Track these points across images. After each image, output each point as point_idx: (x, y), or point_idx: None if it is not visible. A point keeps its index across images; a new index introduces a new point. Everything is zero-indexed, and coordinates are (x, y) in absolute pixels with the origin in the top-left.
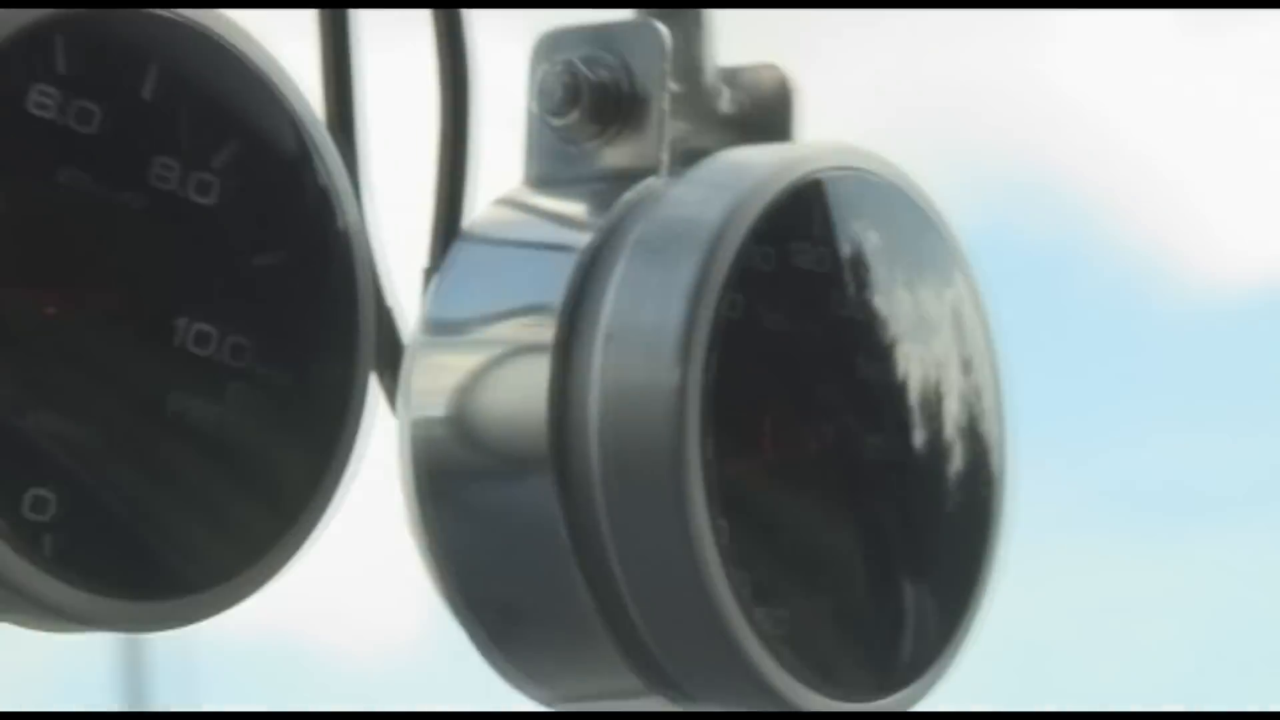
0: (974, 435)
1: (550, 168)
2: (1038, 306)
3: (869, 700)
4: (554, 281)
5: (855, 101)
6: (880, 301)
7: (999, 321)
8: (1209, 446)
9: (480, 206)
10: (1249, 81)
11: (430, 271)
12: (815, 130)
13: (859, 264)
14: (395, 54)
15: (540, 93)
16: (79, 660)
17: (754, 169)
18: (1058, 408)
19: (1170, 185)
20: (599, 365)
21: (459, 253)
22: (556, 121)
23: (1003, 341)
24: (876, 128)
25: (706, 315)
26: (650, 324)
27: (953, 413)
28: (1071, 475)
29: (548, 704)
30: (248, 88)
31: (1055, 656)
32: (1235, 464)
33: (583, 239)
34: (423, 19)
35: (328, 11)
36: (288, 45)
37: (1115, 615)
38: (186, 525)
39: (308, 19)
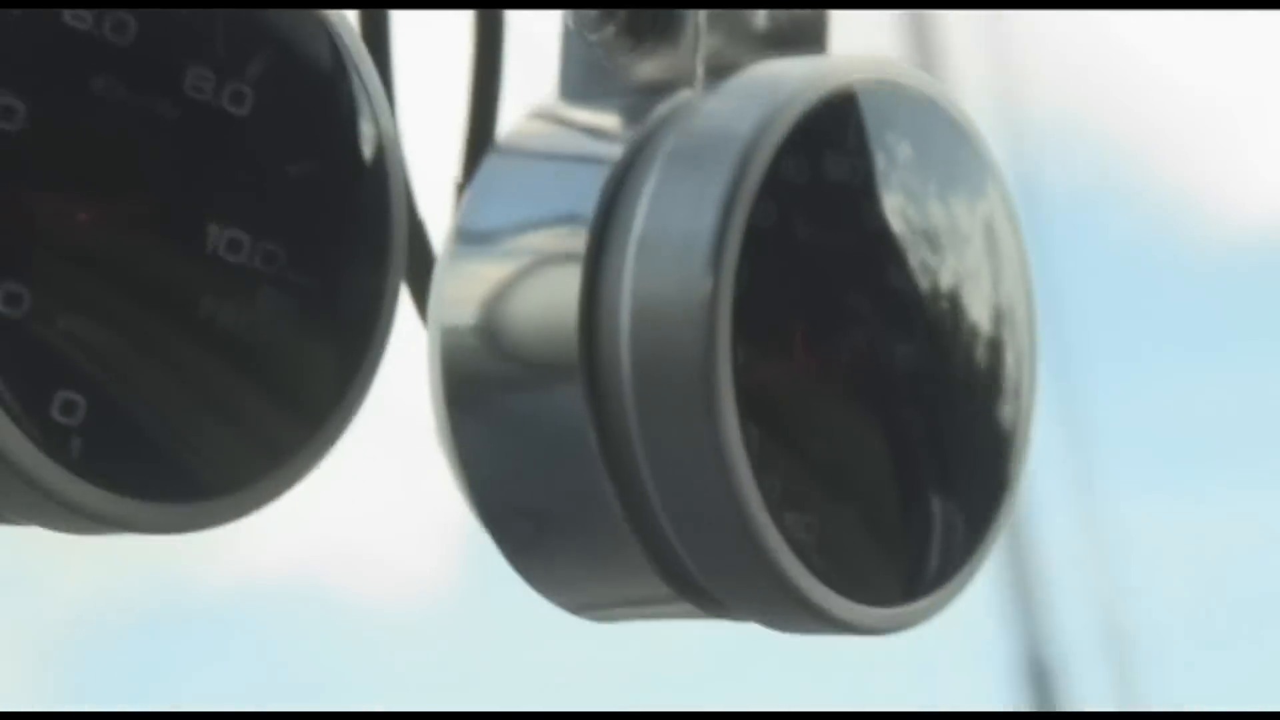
0: (1003, 349)
1: (584, 81)
2: (1075, 248)
3: (894, 605)
4: (586, 192)
5: (883, 44)
6: (912, 213)
7: (1033, 241)
8: (1244, 386)
9: (512, 119)
10: None
11: (462, 184)
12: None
13: (891, 176)
14: None
15: (578, 15)
16: None
17: (787, 81)
18: (1098, 349)
19: (1208, 123)
20: (630, 274)
21: (491, 165)
22: (591, 35)
23: (1036, 261)
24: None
25: (738, 224)
26: (681, 233)
27: (983, 325)
28: (1111, 414)
29: (575, 611)
30: None
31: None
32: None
33: (615, 151)
34: None
35: None
36: None
37: (1140, 558)
38: (212, 430)
39: None
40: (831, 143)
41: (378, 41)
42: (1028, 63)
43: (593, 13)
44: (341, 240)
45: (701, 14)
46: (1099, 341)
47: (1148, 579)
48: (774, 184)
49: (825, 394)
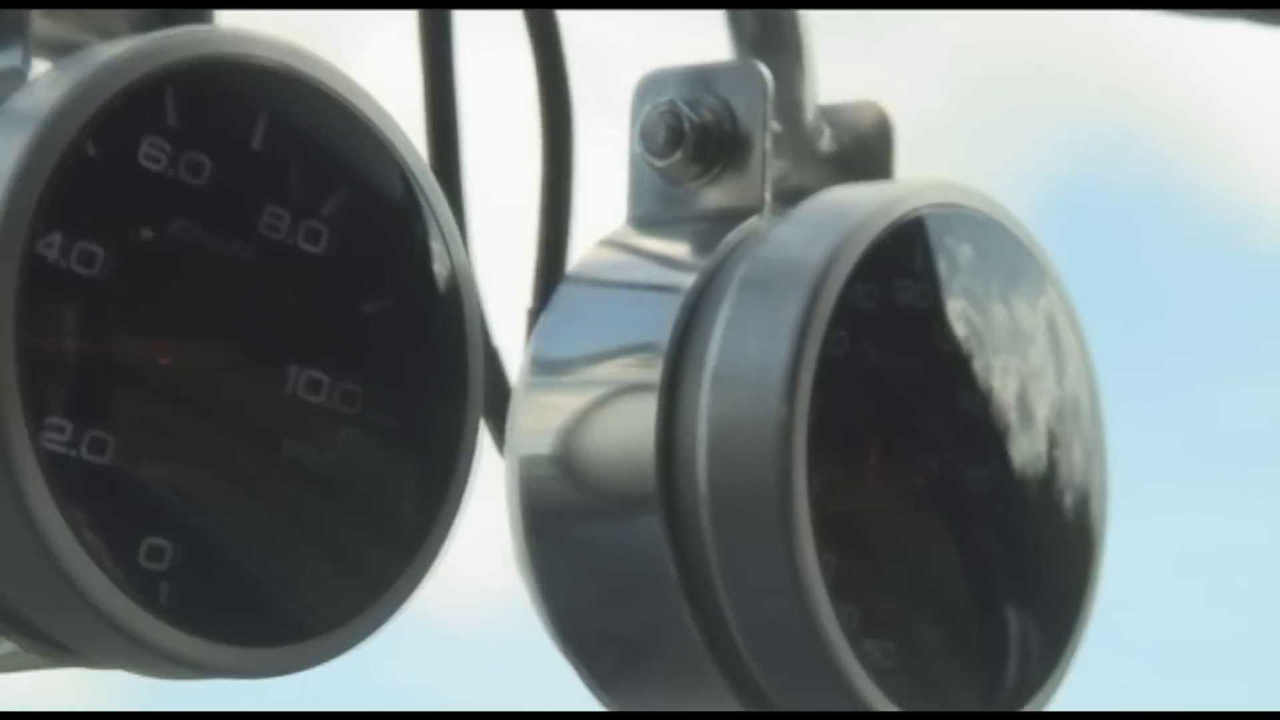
0: (1072, 451)
1: (653, 208)
2: (1127, 255)
3: None
4: (660, 322)
5: (940, 64)
6: (978, 330)
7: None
8: None
9: (583, 247)
10: None
11: (534, 313)
12: (908, 97)
13: (959, 299)
14: (493, 89)
15: (643, 134)
16: None
17: (855, 208)
18: (1147, 354)
19: (1256, 132)
20: (706, 404)
21: (564, 294)
22: (659, 162)
23: (1094, 354)
24: (963, 88)
25: (812, 354)
26: (756, 363)
27: (1051, 431)
28: (1161, 421)
29: None
30: (355, 136)
31: (1138, 604)
32: None
33: (687, 279)
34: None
35: (430, 52)
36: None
37: (1198, 563)
38: (303, 570)
39: (407, 53)
40: (900, 268)
41: (448, 173)
42: (1086, 75)
43: (660, 139)
44: (420, 376)
45: (768, 140)
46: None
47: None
48: (845, 312)
49: (899, 518)
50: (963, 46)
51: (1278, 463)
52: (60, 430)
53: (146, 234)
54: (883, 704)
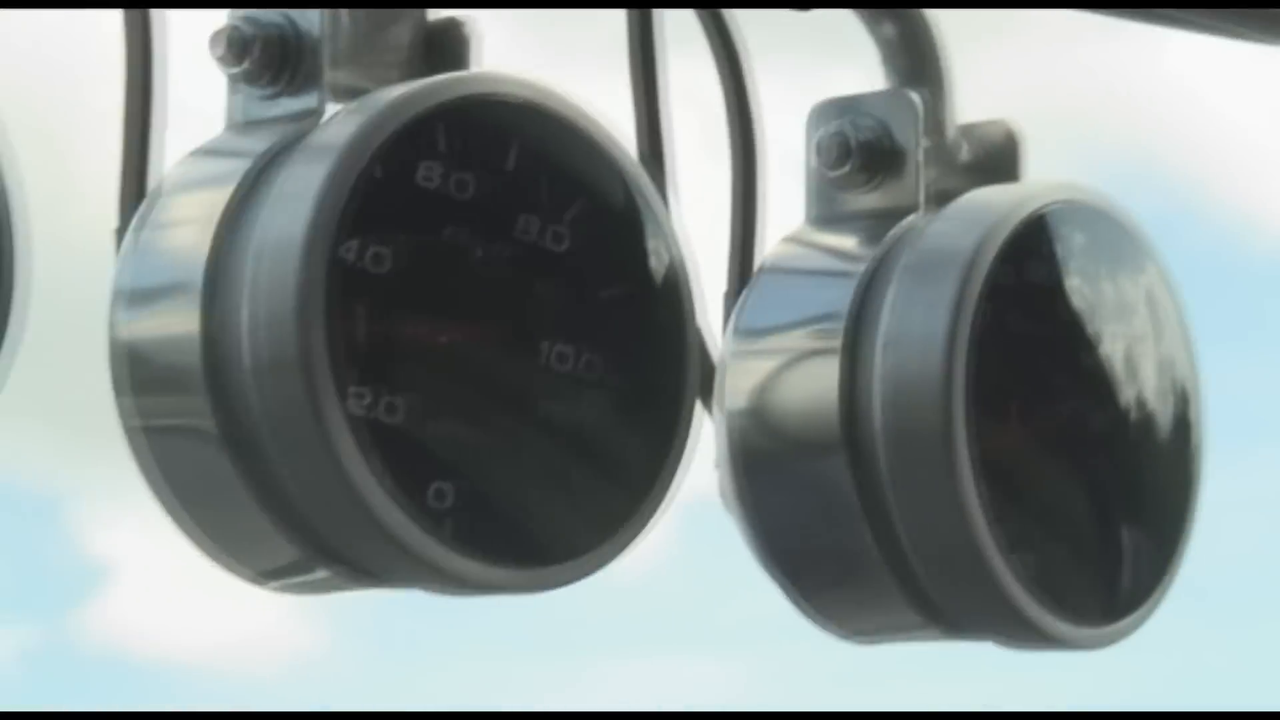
0: (1173, 396)
1: (828, 210)
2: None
3: (1101, 625)
4: (840, 300)
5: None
6: (1095, 305)
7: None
8: None
9: (771, 243)
10: None
11: (730, 296)
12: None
13: (1078, 276)
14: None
15: (818, 151)
16: None
17: (995, 206)
18: None
19: (1259, 158)
20: (879, 365)
21: (761, 280)
22: (832, 174)
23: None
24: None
25: (966, 323)
26: (921, 331)
27: (1154, 380)
28: None
29: (842, 638)
30: (588, 155)
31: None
32: None
33: (859, 266)
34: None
35: (639, 55)
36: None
37: None
38: (555, 507)
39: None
40: (1032, 252)
41: (660, 183)
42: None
43: (833, 155)
44: (647, 348)
45: (920, 153)
46: None
47: None
48: (991, 289)
49: (1038, 454)
50: (997, 90)
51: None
52: (361, 397)
53: (424, 239)
54: (1030, 607)
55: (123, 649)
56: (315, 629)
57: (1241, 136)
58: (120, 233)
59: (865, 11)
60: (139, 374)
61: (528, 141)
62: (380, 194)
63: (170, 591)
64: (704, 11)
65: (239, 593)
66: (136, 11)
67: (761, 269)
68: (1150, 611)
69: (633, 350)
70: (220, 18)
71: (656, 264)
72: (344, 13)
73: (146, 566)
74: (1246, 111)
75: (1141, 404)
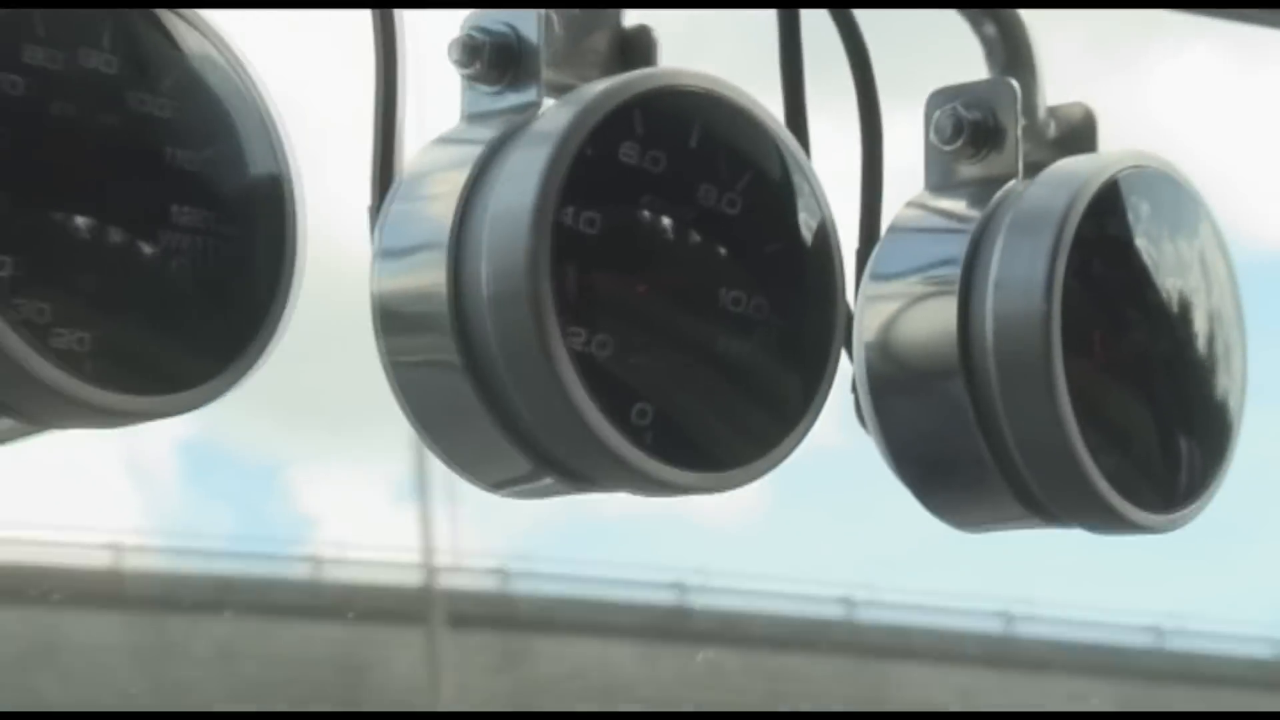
0: (1220, 337)
1: (942, 178)
2: None
3: (1166, 512)
4: (955, 251)
5: None
6: (1161, 254)
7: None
8: None
9: (895, 208)
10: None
11: (861, 251)
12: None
13: (1146, 233)
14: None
15: (935, 129)
16: None
17: (1080, 173)
18: None
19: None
20: (990, 303)
21: (889, 236)
22: (946, 148)
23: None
24: None
25: (1060, 268)
26: (1024, 275)
27: (1208, 322)
28: None
29: (958, 528)
30: (755, 134)
31: None
32: None
33: (971, 224)
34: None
35: (787, 54)
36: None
37: None
38: (731, 424)
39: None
40: (1112, 211)
41: (799, 128)
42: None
43: (947, 132)
44: (804, 292)
45: (1019, 130)
46: None
47: None
48: (1079, 241)
49: (1117, 373)
50: None
51: None
52: (577, 335)
53: (626, 206)
54: (1113, 497)
55: None
56: None
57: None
58: (375, 209)
59: (970, 11)
60: (397, 318)
61: (707, 124)
62: (590, 170)
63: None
64: (836, 11)
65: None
66: (384, 11)
67: (891, 228)
68: (1205, 504)
69: (791, 294)
70: (456, 23)
71: (809, 224)
72: (556, 21)
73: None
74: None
75: (1196, 337)
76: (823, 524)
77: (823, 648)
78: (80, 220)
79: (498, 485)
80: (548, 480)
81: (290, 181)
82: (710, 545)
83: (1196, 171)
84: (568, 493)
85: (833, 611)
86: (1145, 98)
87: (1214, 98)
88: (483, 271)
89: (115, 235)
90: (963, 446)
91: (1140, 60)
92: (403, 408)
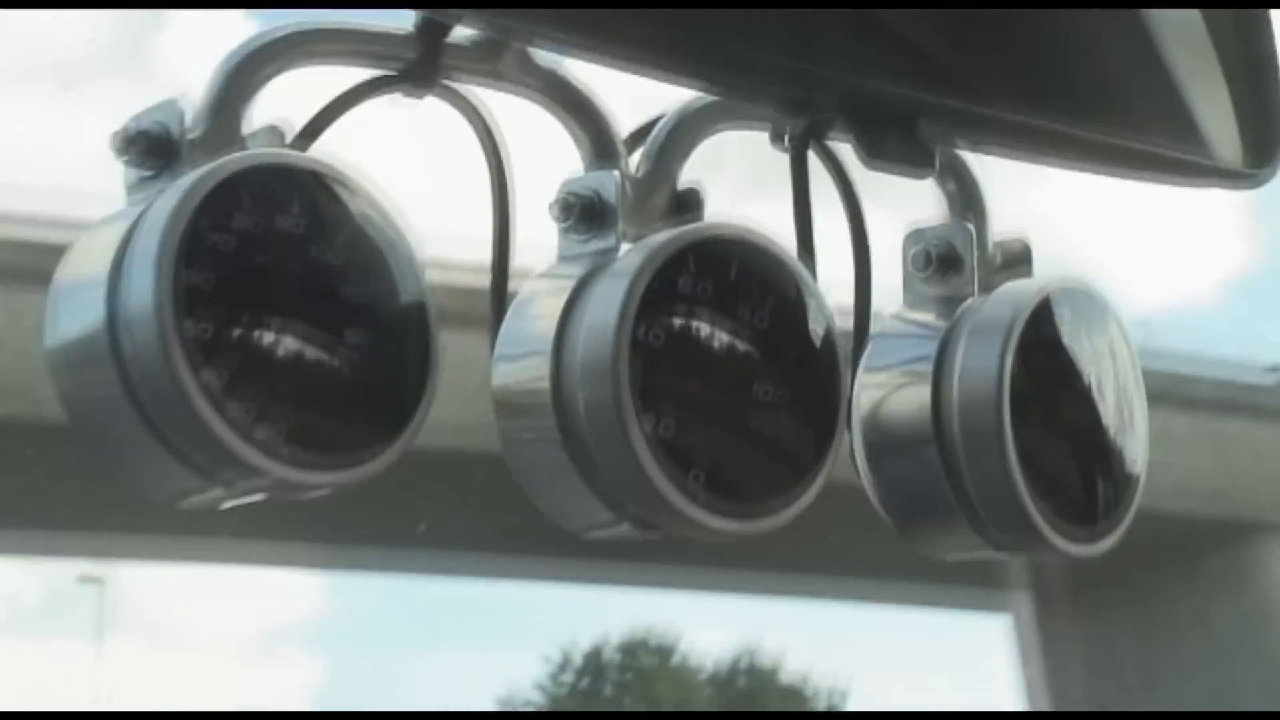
0: (1128, 410)
1: (917, 296)
2: None
3: (1087, 544)
4: (929, 350)
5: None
6: (1083, 347)
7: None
8: None
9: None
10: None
11: (856, 352)
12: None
13: (1069, 335)
14: None
15: (911, 260)
16: None
17: (1022, 292)
18: None
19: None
20: (956, 389)
21: (877, 339)
22: (919, 274)
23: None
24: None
25: (1009, 364)
26: (982, 369)
27: (1119, 399)
28: None
29: (929, 556)
30: (779, 269)
31: None
32: None
33: (940, 331)
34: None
35: (798, 192)
36: None
37: None
38: (765, 482)
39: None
40: (1046, 320)
41: (814, 275)
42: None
43: (921, 261)
44: (817, 383)
45: (974, 260)
46: None
47: None
48: (1023, 343)
49: (1053, 440)
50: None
51: None
52: (649, 420)
53: (683, 325)
54: (1051, 534)
55: None
56: None
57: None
58: (494, 326)
59: (935, 170)
60: (511, 406)
61: (742, 262)
62: (656, 298)
63: None
64: (823, 155)
65: None
66: (500, 169)
67: (878, 333)
68: (1119, 536)
69: (808, 384)
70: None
71: (818, 333)
72: (628, 185)
73: None
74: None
75: (1110, 408)
76: None
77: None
78: (275, 341)
79: (584, 529)
80: (624, 527)
81: (430, 308)
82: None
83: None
84: (640, 538)
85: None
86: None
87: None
88: (578, 372)
89: (301, 352)
90: (935, 496)
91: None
92: (515, 471)
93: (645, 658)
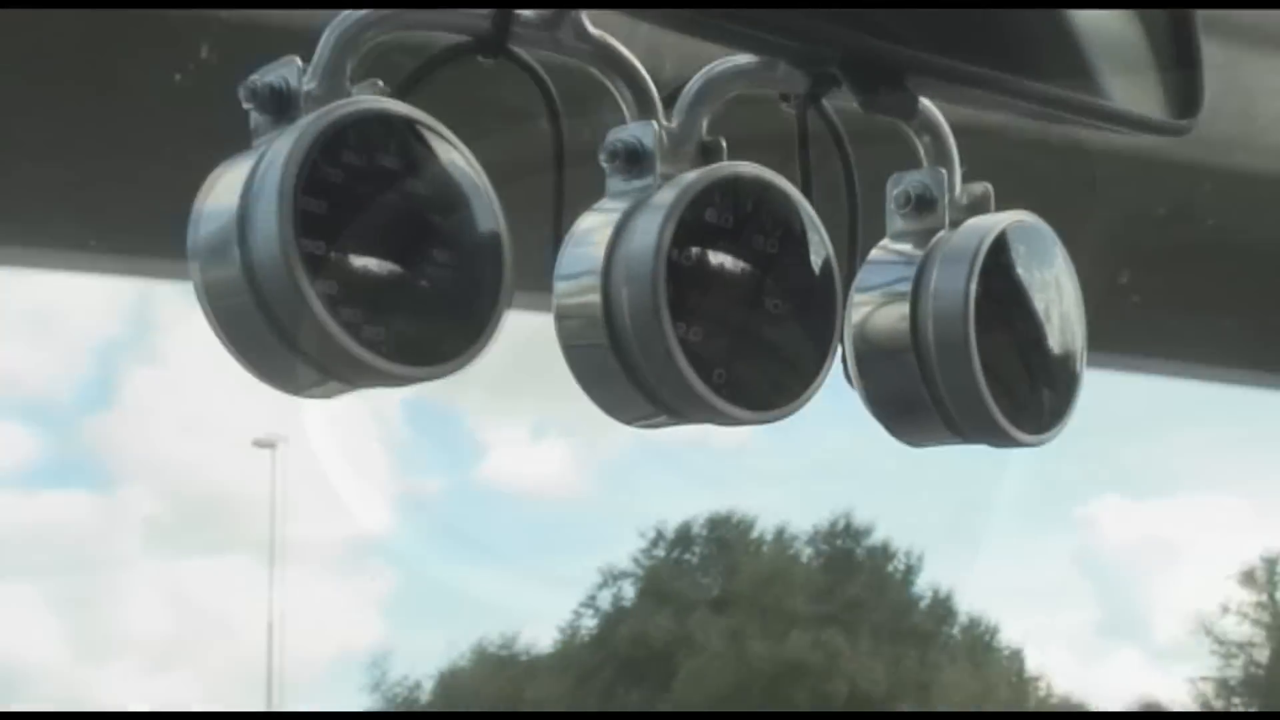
0: (1069, 328)
1: (898, 229)
2: None
3: (1035, 434)
4: (908, 274)
5: None
6: (1034, 273)
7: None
8: None
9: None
10: None
11: (847, 277)
12: None
13: (1022, 262)
14: None
15: (894, 199)
16: None
17: (983, 226)
18: None
19: None
20: (931, 305)
21: (866, 265)
22: (900, 211)
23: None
24: None
25: (974, 285)
26: (950, 289)
27: (1062, 317)
28: None
29: (910, 445)
30: (785, 201)
31: None
32: None
33: (917, 259)
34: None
35: (801, 150)
36: None
37: None
38: (776, 379)
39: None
40: (1003, 249)
41: (815, 209)
42: None
43: (902, 199)
44: (817, 299)
45: (946, 200)
46: None
47: None
48: (985, 269)
49: (1010, 347)
50: None
51: None
52: (681, 327)
53: (708, 248)
54: (1009, 426)
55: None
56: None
57: None
58: (553, 249)
59: (913, 124)
60: (567, 317)
61: (758, 198)
62: (689, 227)
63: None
64: (820, 114)
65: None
66: (552, 112)
67: (867, 260)
68: (1063, 428)
69: (811, 300)
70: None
71: (818, 259)
72: (664, 134)
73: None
74: None
75: (1055, 323)
76: None
77: None
78: (376, 259)
79: (628, 420)
80: (661, 418)
81: (502, 233)
82: None
83: None
84: (672, 424)
85: None
86: None
87: None
88: (623, 289)
89: (397, 269)
90: (913, 395)
91: None
92: (571, 371)
93: (728, 531)
